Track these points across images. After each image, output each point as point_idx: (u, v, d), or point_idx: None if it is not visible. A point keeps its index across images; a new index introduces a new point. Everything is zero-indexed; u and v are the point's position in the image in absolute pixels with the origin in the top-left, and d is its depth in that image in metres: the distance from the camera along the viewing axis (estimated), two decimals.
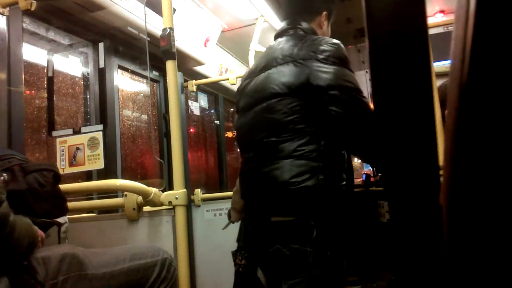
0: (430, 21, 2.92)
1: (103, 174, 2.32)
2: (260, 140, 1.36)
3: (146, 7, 2.15)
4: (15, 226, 1.12)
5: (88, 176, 2.38)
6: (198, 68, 3.28)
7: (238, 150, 1.57)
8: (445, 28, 2.65)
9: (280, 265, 1.33)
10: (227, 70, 3.64)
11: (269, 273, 1.44)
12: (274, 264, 1.36)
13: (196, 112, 3.33)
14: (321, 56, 1.30)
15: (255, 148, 1.38)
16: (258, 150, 1.37)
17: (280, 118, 1.32)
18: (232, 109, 4.70)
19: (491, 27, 0.37)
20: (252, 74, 1.49)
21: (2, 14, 1.93)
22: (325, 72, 1.28)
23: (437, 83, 1.53)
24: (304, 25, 1.48)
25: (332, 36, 1.43)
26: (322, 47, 1.32)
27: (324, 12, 1.54)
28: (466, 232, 0.42)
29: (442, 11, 3.09)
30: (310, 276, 1.27)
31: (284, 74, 1.34)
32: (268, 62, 1.42)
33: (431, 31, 2.68)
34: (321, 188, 1.28)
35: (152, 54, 2.02)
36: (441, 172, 0.47)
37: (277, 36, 1.53)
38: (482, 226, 0.40)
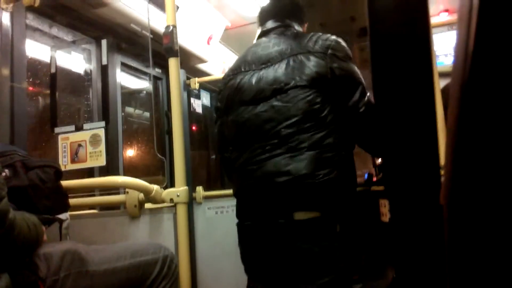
0: (434, 20, 2.90)
1: (105, 171, 2.32)
2: (278, 131, 1.33)
3: (149, 4, 2.15)
4: (15, 223, 1.12)
5: (90, 173, 2.38)
6: (201, 66, 3.28)
7: (233, 145, 1.49)
8: (449, 28, 2.64)
9: (306, 265, 1.28)
10: None
11: (279, 276, 1.36)
12: (295, 265, 1.30)
13: (199, 110, 3.33)
14: (336, 53, 1.37)
15: (270, 140, 1.34)
16: (275, 142, 1.33)
17: (303, 108, 1.31)
18: None
19: (493, 26, 0.37)
20: (247, 68, 1.47)
21: (6, 10, 1.94)
22: (342, 68, 1.35)
23: (441, 83, 1.52)
24: (298, 27, 1.56)
25: (336, 34, 1.45)
26: (334, 44, 1.38)
27: (306, 24, 1.64)
28: (467, 231, 0.42)
29: (446, 10, 3.07)
30: (339, 272, 1.27)
31: (303, 65, 1.34)
32: (273, 56, 1.42)
33: (435, 31, 2.67)
34: (340, 182, 1.31)
35: (155, 51, 2.02)
36: (442, 171, 0.47)
37: (266, 33, 1.54)
38: (483, 225, 0.40)
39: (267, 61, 1.42)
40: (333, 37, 1.41)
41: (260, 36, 1.57)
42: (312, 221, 1.27)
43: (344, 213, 1.31)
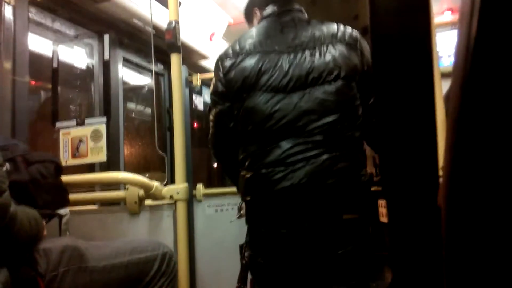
0: (438, 19, 2.89)
1: (105, 166, 2.32)
2: (319, 127, 1.21)
3: None
4: (16, 217, 1.12)
5: (90, 168, 2.39)
6: (203, 62, 3.27)
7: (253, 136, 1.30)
8: (453, 27, 2.62)
9: (344, 266, 1.23)
10: None
11: (308, 282, 1.27)
12: (334, 267, 1.23)
13: (200, 106, 3.33)
14: (364, 46, 1.32)
15: (310, 137, 1.22)
16: (317, 139, 1.21)
17: (346, 103, 1.24)
18: None
19: (495, 25, 0.37)
20: (269, 49, 1.32)
21: (9, 3, 1.93)
22: (369, 63, 1.30)
23: (443, 83, 1.51)
24: (302, 8, 1.45)
25: None
26: (360, 38, 1.34)
27: None
28: (465, 233, 0.42)
29: (450, 9, 3.06)
30: (366, 273, 1.25)
31: (343, 55, 1.26)
32: (303, 40, 1.30)
33: (439, 30, 2.66)
34: (370, 183, 1.31)
35: (157, 47, 2.02)
36: (440, 173, 0.47)
37: (281, 14, 1.40)
38: (481, 227, 0.40)
39: (298, 45, 1.30)
40: (355, 31, 1.35)
41: (267, 17, 1.43)
42: (354, 222, 1.23)
43: (373, 215, 1.29)
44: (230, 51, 1.40)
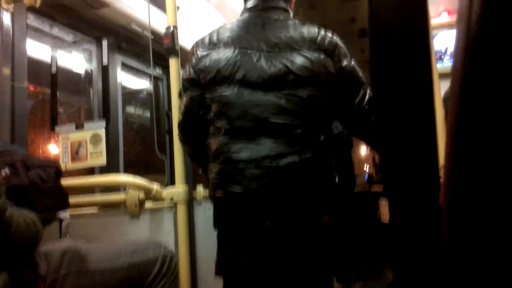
0: (435, 21, 2.90)
1: (105, 170, 2.32)
2: (295, 126, 1.24)
3: (149, 5, 2.15)
4: (12, 222, 1.11)
5: (90, 172, 2.38)
6: None
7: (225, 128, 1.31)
8: (450, 29, 2.64)
9: (320, 256, 1.28)
10: None
11: (298, 273, 1.29)
12: (315, 258, 1.28)
13: None
14: (342, 51, 1.34)
15: (285, 135, 1.24)
16: (294, 138, 1.24)
17: (320, 108, 1.28)
18: None
19: (494, 28, 0.37)
20: (247, 45, 1.32)
21: (7, 10, 1.94)
22: (348, 67, 1.33)
23: (441, 84, 1.52)
24: (290, 10, 1.44)
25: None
26: (339, 43, 1.36)
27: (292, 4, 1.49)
28: (466, 232, 0.42)
29: (447, 11, 3.07)
30: (347, 266, 1.32)
31: (319, 62, 1.29)
32: (283, 41, 1.31)
33: (436, 31, 2.67)
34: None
35: (156, 51, 2.02)
36: (441, 172, 0.47)
37: (264, 9, 1.39)
38: (482, 226, 0.40)
39: (276, 45, 1.30)
40: (335, 36, 1.37)
41: (250, 10, 1.41)
42: (333, 223, 1.32)
43: (350, 215, 1.38)
44: (207, 39, 1.40)
